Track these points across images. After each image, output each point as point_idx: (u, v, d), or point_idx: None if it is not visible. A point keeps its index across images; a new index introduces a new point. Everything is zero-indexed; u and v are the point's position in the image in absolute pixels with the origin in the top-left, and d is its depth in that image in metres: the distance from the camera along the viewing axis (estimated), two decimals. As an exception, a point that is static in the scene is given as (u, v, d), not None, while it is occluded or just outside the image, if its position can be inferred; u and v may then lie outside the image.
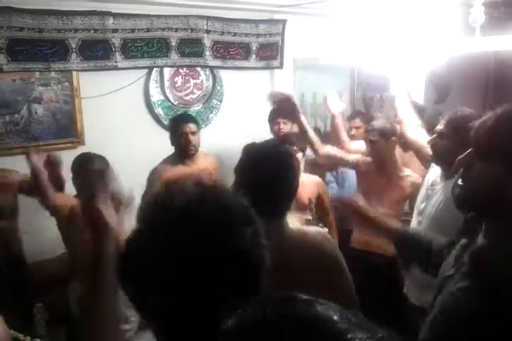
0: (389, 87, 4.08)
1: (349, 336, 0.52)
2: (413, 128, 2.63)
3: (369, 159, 3.04)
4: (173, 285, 0.77)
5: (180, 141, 3.26)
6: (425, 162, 2.59)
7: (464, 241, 1.24)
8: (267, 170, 1.46)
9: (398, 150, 3.41)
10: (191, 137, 3.24)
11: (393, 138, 2.90)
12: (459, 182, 1.18)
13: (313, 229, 1.63)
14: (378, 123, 3.00)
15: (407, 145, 3.21)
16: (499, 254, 1.08)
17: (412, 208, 2.75)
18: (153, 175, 3.21)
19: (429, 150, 2.29)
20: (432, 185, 2.23)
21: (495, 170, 1.07)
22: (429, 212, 2.16)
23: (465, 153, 1.17)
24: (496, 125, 1.10)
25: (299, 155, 3.10)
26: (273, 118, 3.76)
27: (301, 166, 3.41)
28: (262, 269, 0.82)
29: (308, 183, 3.15)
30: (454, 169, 1.19)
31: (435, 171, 2.26)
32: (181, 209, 0.81)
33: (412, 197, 2.84)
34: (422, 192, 2.31)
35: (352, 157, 3.13)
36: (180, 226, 0.79)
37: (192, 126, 3.28)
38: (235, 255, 0.80)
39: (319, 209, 3.23)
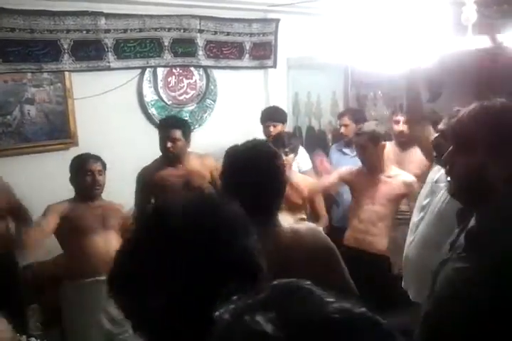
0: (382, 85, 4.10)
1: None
2: (417, 122, 2.63)
3: (355, 168, 3.10)
4: (170, 293, 0.79)
5: (161, 145, 3.20)
6: (429, 155, 2.60)
7: (457, 229, 1.26)
8: (251, 170, 1.47)
9: (395, 150, 3.42)
10: (169, 143, 3.15)
11: (382, 142, 2.94)
12: (448, 179, 1.26)
13: (304, 225, 1.64)
14: (368, 127, 3.02)
15: (408, 142, 3.24)
16: (494, 235, 1.12)
17: (411, 207, 2.79)
18: (140, 177, 3.24)
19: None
20: (436, 181, 2.23)
21: (474, 159, 1.15)
22: (433, 207, 2.17)
23: (447, 151, 1.24)
24: (468, 120, 1.20)
25: (291, 156, 3.11)
26: (263, 121, 3.80)
27: (293, 167, 3.43)
28: (260, 275, 0.83)
29: (301, 184, 3.17)
30: (443, 167, 1.29)
31: (439, 168, 2.26)
32: (180, 220, 0.83)
33: (408, 196, 2.89)
34: (426, 188, 2.31)
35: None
36: (179, 237, 0.81)
37: (174, 132, 3.17)
38: (231, 264, 0.81)
39: (312, 210, 3.26)
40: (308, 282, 0.60)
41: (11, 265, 2.86)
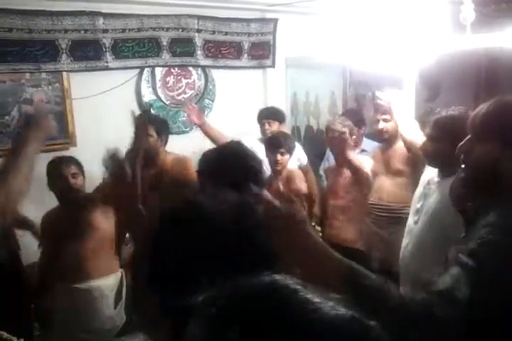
0: (380, 85, 4.10)
1: (315, 305, 0.53)
2: (409, 130, 2.65)
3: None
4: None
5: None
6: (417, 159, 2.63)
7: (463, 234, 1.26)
8: (224, 171, 1.49)
9: (380, 148, 3.47)
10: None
11: (353, 136, 3.15)
12: (462, 166, 1.30)
13: None
14: (341, 123, 3.20)
15: (391, 138, 3.32)
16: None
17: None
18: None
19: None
20: (428, 184, 2.23)
21: (491, 148, 1.21)
22: (427, 210, 2.16)
23: (464, 140, 1.30)
24: (489, 111, 1.26)
25: (287, 156, 3.12)
26: (259, 120, 3.80)
27: (294, 164, 3.46)
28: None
29: (297, 180, 3.20)
30: (456, 155, 1.32)
31: (431, 170, 2.26)
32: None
33: (359, 183, 3.03)
34: (419, 191, 2.31)
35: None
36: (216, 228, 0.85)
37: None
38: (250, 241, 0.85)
39: (308, 208, 3.29)
40: (292, 280, 0.58)
41: (14, 264, 2.85)
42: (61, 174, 2.67)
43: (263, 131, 3.75)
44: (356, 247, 3.06)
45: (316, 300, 0.54)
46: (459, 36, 3.19)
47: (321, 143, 4.48)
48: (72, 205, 2.71)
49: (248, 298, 0.56)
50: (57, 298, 2.68)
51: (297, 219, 1.09)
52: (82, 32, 3.42)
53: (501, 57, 3.75)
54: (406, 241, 2.27)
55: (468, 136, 1.29)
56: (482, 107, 1.28)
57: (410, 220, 2.30)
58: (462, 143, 1.30)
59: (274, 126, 3.74)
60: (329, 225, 3.20)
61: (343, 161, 3.03)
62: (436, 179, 2.18)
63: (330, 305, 0.54)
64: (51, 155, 3.16)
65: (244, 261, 0.81)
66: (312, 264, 1.09)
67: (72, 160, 2.74)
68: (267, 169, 3.26)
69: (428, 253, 2.05)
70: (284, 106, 4.28)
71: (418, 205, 2.24)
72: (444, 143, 2.01)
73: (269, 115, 3.80)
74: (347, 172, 3.07)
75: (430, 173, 2.26)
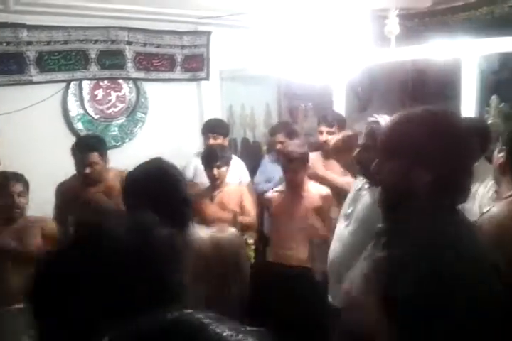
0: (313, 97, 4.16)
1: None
2: None
3: (276, 192, 3.09)
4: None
5: (78, 169, 2.95)
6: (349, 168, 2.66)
7: (379, 253, 1.25)
8: (144, 188, 1.50)
9: (320, 159, 3.48)
10: (87, 169, 2.91)
11: (308, 163, 2.98)
12: (380, 188, 1.31)
13: (225, 234, 1.64)
14: (296, 151, 2.98)
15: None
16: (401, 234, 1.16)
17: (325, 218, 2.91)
18: (58, 192, 3.08)
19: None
20: (359, 189, 2.26)
21: (397, 165, 1.23)
22: (357, 215, 2.19)
23: (375, 162, 1.31)
24: (389, 129, 1.29)
25: (223, 168, 3.10)
26: (204, 132, 3.75)
27: (235, 180, 3.42)
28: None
29: (233, 193, 3.17)
30: (372, 176, 1.37)
31: (362, 177, 2.29)
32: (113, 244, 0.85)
33: (323, 208, 2.94)
34: (350, 196, 2.33)
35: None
36: (110, 264, 0.82)
37: (91, 156, 2.92)
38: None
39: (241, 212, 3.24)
40: (200, 315, 0.57)
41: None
42: (9, 191, 2.56)
43: (207, 144, 3.66)
44: (303, 265, 2.90)
45: (226, 333, 0.53)
46: (384, 49, 3.28)
47: (257, 154, 4.48)
48: (12, 224, 2.62)
49: (150, 338, 0.54)
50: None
51: None
52: (4, 44, 3.30)
53: (426, 68, 3.88)
54: (335, 245, 2.28)
55: (377, 159, 1.30)
56: (385, 125, 1.31)
57: (340, 225, 2.32)
58: (374, 164, 1.31)
59: (219, 140, 3.67)
60: (279, 245, 3.04)
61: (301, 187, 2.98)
62: (366, 185, 2.22)
63: (239, 337, 0.53)
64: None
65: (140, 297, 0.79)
66: None
67: (22, 179, 2.64)
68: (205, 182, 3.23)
69: (357, 256, 2.07)
70: (219, 118, 4.25)
71: (349, 210, 2.27)
72: (373, 152, 2.04)
73: (213, 129, 3.71)
74: (307, 196, 2.96)
75: (361, 180, 2.29)
